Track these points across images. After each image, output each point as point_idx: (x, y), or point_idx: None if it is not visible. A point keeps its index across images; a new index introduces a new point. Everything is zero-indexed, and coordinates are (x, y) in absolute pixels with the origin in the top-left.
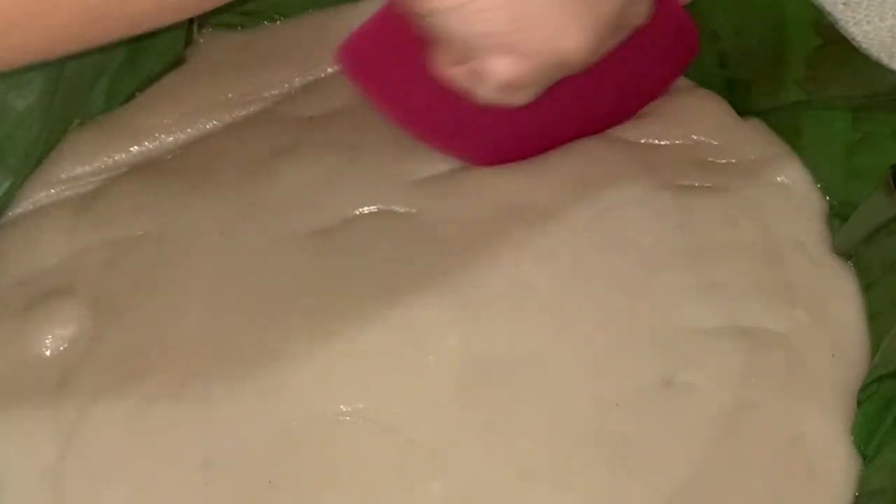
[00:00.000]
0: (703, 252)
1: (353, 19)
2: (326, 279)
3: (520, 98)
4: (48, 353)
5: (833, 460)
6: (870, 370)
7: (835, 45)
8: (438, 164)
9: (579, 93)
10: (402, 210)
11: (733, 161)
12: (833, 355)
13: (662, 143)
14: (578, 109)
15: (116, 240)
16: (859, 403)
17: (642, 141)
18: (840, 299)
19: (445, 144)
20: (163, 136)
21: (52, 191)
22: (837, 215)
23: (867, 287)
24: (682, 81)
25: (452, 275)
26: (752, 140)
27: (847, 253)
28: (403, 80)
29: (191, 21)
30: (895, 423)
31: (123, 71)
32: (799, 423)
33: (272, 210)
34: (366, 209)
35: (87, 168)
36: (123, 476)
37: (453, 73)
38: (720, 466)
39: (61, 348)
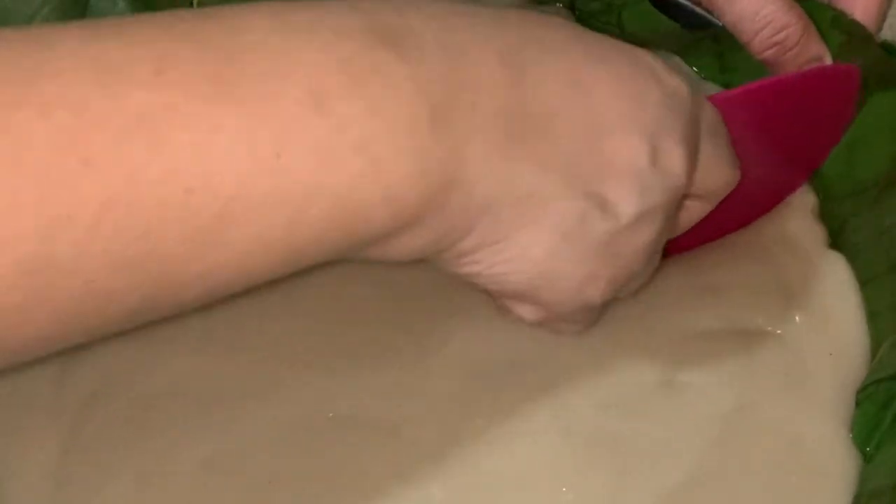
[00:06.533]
0: (698, 255)
1: None
2: (332, 282)
3: (567, 330)
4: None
5: (832, 460)
6: (868, 374)
7: (859, 38)
8: None
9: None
10: None
11: None
12: (831, 354)
13: None
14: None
15: None
16: (858, 403)
17: None
18: (837, 297)
19: None
20: None
21: None
22: (827, 211)
23: (867, 282)
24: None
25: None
26: None
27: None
28: None
29: None
30: (894, 421)
31: None
32: (798, 423)
33: None
34: None
35: None
36: (124, 475)
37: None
38: (719, 466)
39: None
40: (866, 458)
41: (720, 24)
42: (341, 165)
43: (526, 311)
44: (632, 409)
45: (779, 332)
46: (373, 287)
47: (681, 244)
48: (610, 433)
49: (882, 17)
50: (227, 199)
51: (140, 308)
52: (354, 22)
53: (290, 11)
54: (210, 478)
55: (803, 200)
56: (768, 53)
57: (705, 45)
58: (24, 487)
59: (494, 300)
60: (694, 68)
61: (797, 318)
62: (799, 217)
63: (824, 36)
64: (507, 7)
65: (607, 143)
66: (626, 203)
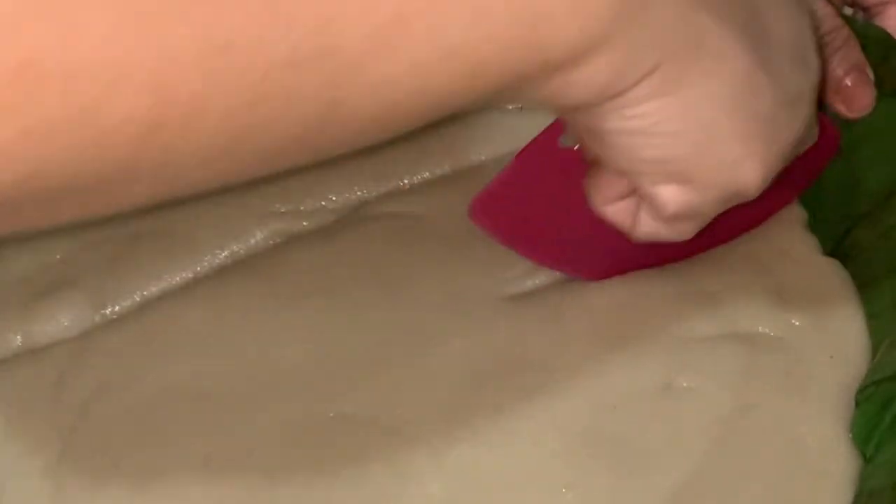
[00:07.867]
0: (692, 264)
1: None
2: (333, 282)
3: (683, 231)
4: (47, 350)
5: (832, 461)
6: (867, 374)
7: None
8: None
9: None
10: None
11: None
12: (831, 357)
13: None
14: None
15: (119, 236)
16: (857, 404)
17: None
18: (835, 300)
19: (568, 267)
20: None
21: None
22: (832, 215)
23: (867, 284)
24: None
25: (456, 280)
26: None
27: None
28: (534, 221)
29: None
30: (893, 422)
31: None
32: (798, 425)
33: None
34: (373, 210)
35: None
36: (124, 474)
37: (611, 210)
38: (720, 467)
39: (60, 345)
40: (866, 459)
41: None
42: None
43: (669, 194)
44: (632, 411)
45: (778, 335)
46: (373, 288)
47: (673, 254)
48: (610, 434)
49: None
50: None
51: (322, 116)
52: None
53: None
54: (210, 477)
55: (794, 216)
56: None
57: None
58: (23, 488)
59: (637, 191)
60: None
61: (795, 321)
62: (791, 229)
63: None
64: None
65: (769, 17)
66: (795, 75)
